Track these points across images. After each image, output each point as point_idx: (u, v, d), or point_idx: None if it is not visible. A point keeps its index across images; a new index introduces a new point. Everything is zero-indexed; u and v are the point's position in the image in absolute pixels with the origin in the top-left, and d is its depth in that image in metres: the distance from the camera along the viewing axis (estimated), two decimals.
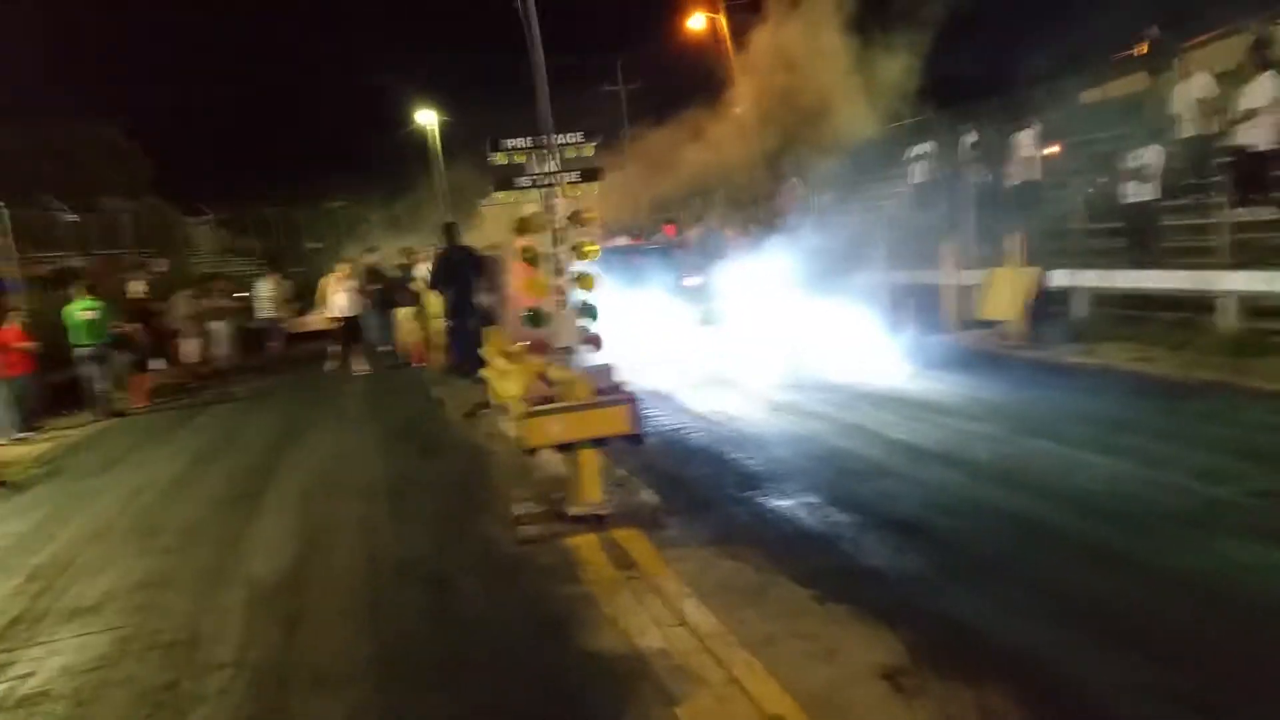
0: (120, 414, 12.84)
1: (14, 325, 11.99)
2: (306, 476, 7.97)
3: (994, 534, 4.86)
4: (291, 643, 4.48)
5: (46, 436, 11.72)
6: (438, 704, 3.74)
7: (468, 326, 11.95)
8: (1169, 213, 11.43)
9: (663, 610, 4.28)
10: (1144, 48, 16.02)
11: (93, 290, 12.89)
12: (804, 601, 4.23)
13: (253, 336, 17.76)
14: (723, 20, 23.74)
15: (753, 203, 19.01)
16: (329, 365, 15.37)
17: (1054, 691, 3.29)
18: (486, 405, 9.70)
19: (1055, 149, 14.43)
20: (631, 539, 5.27)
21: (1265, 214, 11.10)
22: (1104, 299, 11.17)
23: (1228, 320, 9.51)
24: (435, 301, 13.58)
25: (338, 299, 15.11)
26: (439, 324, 13.64)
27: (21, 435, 11.60)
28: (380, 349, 15.85)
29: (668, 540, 5.23)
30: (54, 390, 13.26)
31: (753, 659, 3.68)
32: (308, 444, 9.45)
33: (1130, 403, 7.47)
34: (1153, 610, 3.84)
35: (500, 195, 6.56)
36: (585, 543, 5.31)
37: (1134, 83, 16.43)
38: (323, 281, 15.90)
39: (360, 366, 14.98)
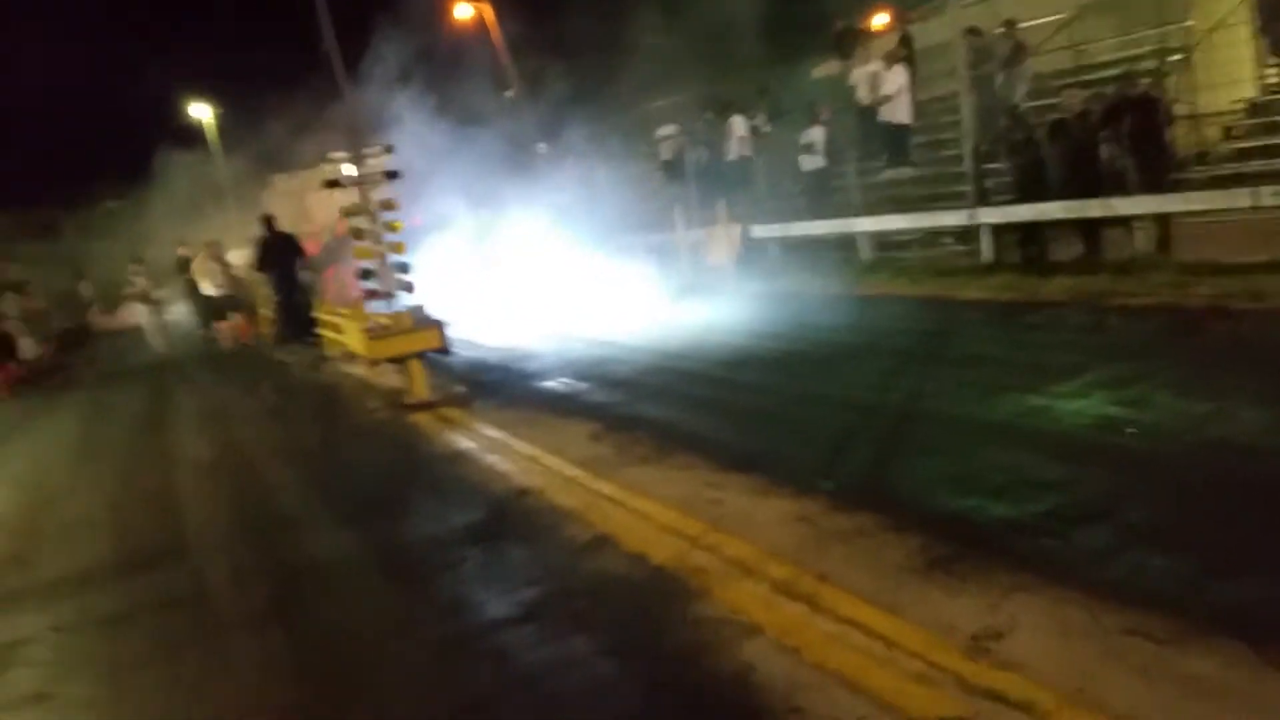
0: None
1: None
2: (196, 414, 10.44)
3: (665, 379, 8.27)
4: (239, 481, 7.24)
5: None
6: (340, 483, 6.69)
7: (294, 300, 14.38)
8: (837, 176, 15.41)
9: (470, 434, 7.37)
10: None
11: None
12: (553, 420, 7.43)
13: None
14: (488, 10, 26.35)
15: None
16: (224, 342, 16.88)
17: (670, 433, 6.60)
18: (326, 358, 12.33)
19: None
20: (449, 411, 8.30)
21: (907, 173, 15.38)
22: (793, 244, 15.04)
23: (866, 253, 13.55)
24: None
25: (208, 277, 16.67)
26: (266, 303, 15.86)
27: None
28: (200, 332, 17.71)
29: (474, 409, 8.29)
30: None
31: (519, 440, 6.85)
32: (182, 400, 11.77)
33: (770, 307, 11.18)
34: (722, 398, 7.29)
35: (324, 187, 9.26)
36: (420, 417, 8.29)
37: (833, 66, 20.61)
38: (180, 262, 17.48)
39: (226, 341, 16.84)
